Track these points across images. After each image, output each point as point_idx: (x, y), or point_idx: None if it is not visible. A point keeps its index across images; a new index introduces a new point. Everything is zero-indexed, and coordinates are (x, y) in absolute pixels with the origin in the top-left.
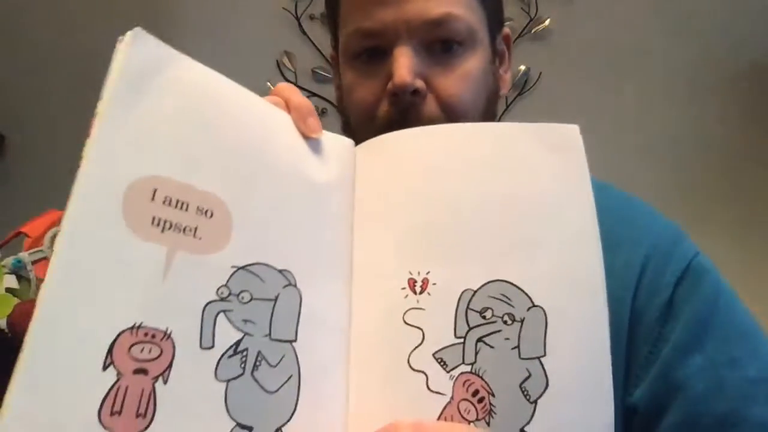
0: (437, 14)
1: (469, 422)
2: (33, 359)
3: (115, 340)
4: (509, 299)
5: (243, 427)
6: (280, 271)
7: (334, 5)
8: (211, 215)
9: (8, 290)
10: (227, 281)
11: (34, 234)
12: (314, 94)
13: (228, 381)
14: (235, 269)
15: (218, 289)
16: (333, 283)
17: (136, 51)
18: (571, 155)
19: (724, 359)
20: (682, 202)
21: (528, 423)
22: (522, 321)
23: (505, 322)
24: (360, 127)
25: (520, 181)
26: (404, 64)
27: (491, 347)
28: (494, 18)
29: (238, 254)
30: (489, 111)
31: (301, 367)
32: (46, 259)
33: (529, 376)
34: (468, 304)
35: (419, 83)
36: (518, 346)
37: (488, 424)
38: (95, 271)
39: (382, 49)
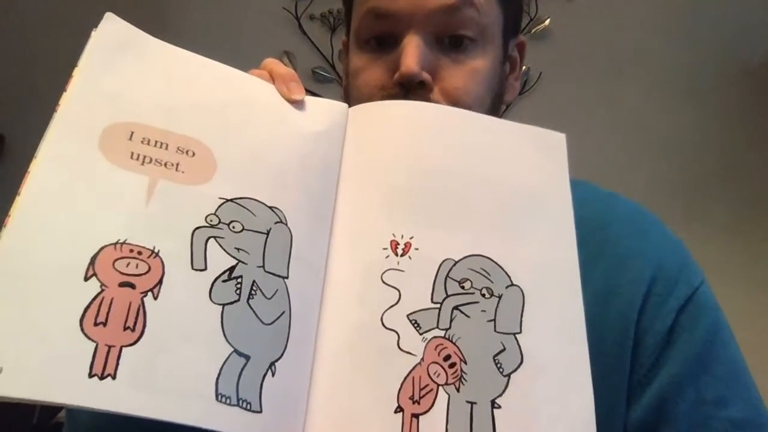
0: (453, 0)
1: (439, 385)
2: (5, 265)
3: (97, 254)
4: (489, 274)
5: (240, 354)
6: (271, 208)
7: None
8: (193, 154)
9: None
10: (216, 210)
11: None
12: (314, 94)
13: (224, 305)
14: (223, 200)
15: (207, 217)
16: (317, 228)
17: (107, 29)
18: (556, 158)
19: (714, 397)
20: (682, 201)
21: (500, 395)
22: (500, 297)
23: (483, 295)
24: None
25: (509, 170)
26: (412, 54)
27: (467, 316)
28: (511, 22)
29: (226, 188)
30: (493, 112)
31: (291, 305)
32: None
33: (504, 349)
34: (448, 273)
35: (425, 75)
36: (494, 320)
37: (458, 390)
38: (72, 190)
39: (392, 37)
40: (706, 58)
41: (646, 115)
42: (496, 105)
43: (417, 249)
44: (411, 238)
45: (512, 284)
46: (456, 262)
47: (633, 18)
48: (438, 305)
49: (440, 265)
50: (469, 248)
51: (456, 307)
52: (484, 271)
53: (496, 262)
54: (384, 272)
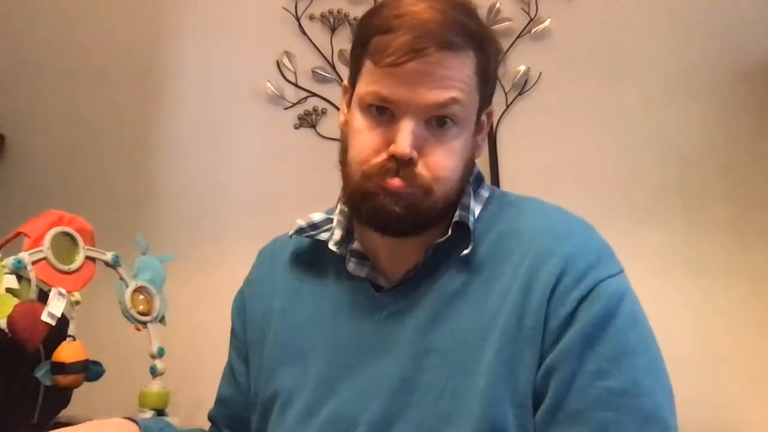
0: (444, 99)
1: None
2: None
3: None
4: None
5: None
6: None
7: (359, 57)
8: None
9: (8, 290)
10: None
11: (34, 234)
12: (314, 94)
13: None
14: None
15: None
16: None
17: None
18: None
19: (594, 369)
20: (683, 201)
21: None
22: None
23: None
24: (354, 163)
25: None
26: (407, 138)
27: None
28: (485, 101)
29: None
30: (466, 173)
31: None
32: (46, 260)
33: None
34: None
35: (414, 154)
36: None
37: None
38: None
39: (391, 112)
40: (706, 58)
41: (646, 115)
42: (469, 167)
43: None
44: None
45: None
46: None
47: (633, 18)
48: None
49: None
50: None
51: None
52: None
53: None
54: None
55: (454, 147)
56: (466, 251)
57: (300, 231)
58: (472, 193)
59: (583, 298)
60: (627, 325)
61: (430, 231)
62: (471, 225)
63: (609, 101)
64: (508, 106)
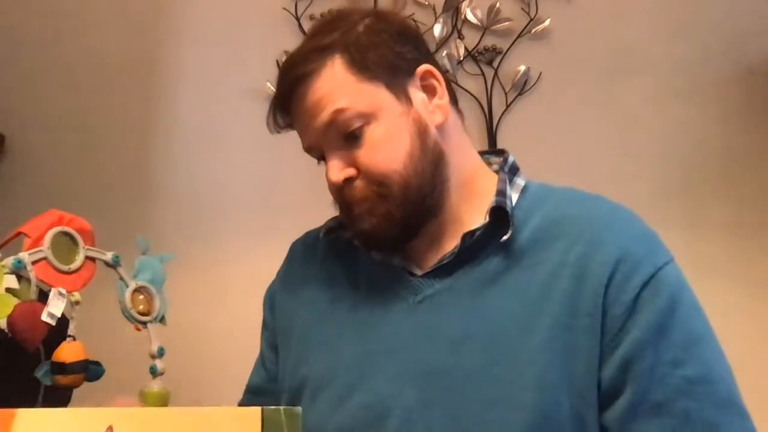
0: (327, 116)
1: None
2: None
3: None
4: None
5: None
6: None
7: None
8: None
9: (8, 290)
10: None
11: (34, 234)
12: None
13: None
14: None
15: None
16: None
17: None
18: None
19: (670, 359)
20: (682, 202)
21: None
22: None
23: None
24: None
25: None
26: (330, 167)
27: None
28: (396, 77)
29: None
30: (418, 149)
31: None
32: (46, 260)
33: None
34: None
35: (347, 173)
36: None
37: None
38: None
39: (320, 155)
40: (706, 58)
41: (646, 115)
42: (423, 138)
43: None
44: None
45: None
46: None
47: (633, 18)
48: None
49: None
50: None
51: None
52: None
53: None
54: None
55: (376, 140)
56: (506, 237)
57: (330, 231)
58: (507, 180)
59: (645, 285)
60: (691, 311)
61: (461, 218)
62: (509, 210)
63: (609, 101)
64: (508, 106)
